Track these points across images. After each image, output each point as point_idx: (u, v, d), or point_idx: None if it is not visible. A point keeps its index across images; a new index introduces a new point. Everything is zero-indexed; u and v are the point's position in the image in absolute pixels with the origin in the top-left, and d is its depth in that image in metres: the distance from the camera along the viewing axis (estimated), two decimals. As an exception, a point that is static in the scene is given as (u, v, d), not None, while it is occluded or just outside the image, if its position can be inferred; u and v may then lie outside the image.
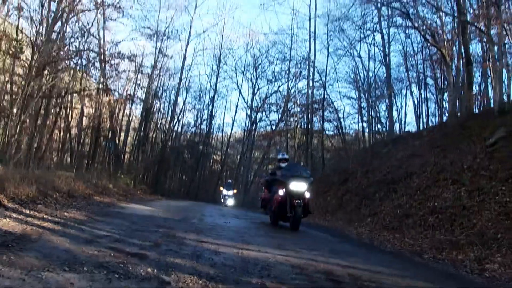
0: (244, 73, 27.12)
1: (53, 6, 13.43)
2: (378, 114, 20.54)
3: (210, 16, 37.82)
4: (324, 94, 20.89)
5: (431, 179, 8.38)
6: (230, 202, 18.95)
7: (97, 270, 2.57)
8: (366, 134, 21.04)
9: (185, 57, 23.07)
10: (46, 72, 12.90)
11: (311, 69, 20.78)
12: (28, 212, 4.62)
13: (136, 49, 26.60)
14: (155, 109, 21.99)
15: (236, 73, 27.01)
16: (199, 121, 26.92)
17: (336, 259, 4.11)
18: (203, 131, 27.22)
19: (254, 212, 13.15)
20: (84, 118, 17.65)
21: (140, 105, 21.19)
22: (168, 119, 23.45)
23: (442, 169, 8.54)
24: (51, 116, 14.71)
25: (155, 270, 2.74)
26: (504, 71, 10.62)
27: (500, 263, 4.41)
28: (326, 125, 22.07)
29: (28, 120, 12.23)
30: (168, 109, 23.72)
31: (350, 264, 3.84)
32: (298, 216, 6.76)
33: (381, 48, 19.78)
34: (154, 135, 23.18)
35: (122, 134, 21.49)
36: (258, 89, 26.54)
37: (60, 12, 13.66)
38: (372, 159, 13.10)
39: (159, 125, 23.34)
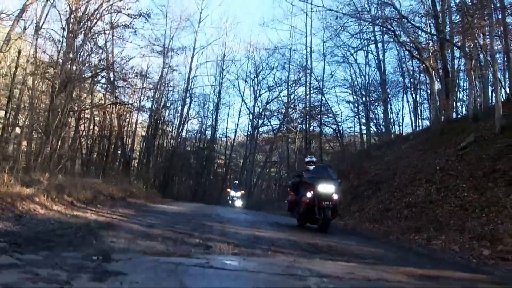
0: (246, 79, 28.87)
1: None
2: (377, 117, 22.26)
3: (213, 29, 39.59)
4: (321, 100, 22.65)
5: (409, 179, 10.11)
6: (238, 203, 19.52)
7: (166, 240, 4.30)
8: (364, 136, 22.76)
9: (190, 69, 24.90)
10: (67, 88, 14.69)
11: (309, 77, 22.58)
12: (94, 209, 6.37)
13: (141, 61, 28.25)
14: (162, 118, 23.76)
15: (238, 80, 28.77)
16: (203, 127, 28.69)
17: (321, 238, 5.84)
18: (207, 137, 28.95)
19: (259, 212, 14.85)
20: (96, 127, 19.43)
21: (147, 113, 22.93)
22: (176, 126, 25.27)
23: (420, 170, 10.26)
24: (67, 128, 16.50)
25: (201, 241, 4.46)
26: (477, 82, 12.36)
27: (444, 240, 6.13)
28: (326, 129, 23.89)
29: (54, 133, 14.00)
30: (175, 118, 25.55)
31: (331, 240, 5.57)
32: (327, 218, 6.91)
33: (376, 56, 21.42)
34: (162, 142, 24.97)
35: (129, 141, 23.33)
36: (260, 95, 28.26)
37: (81, 33, 15.45)
38: (364, 161, 14.82)
39: (166, 132, 25.13)
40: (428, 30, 13.63)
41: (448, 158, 10.29)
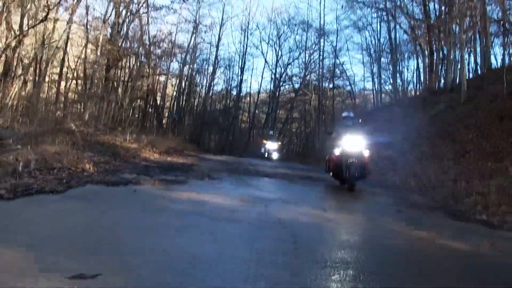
0: (268, 42, 31.91)
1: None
2: (390, 76, 25.27)
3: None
4: (334, 63, 25.93)
5: (391, 137, 13.79)
6: (275, 155, 18.79)
7: (229, 173, 8.32)
8: (377, 95, 26.04)
9: (219, 38, 28.18)
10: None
11: (323, 41, 25.80)
12: (174, 157, 10.48)
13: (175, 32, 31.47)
14: (194, 81, 27.63)
15: (261, 43, 31.84)
16: (229, 87, 32.37)
17: (305, 172, 9.79)
18: (233, 96, 32.68)
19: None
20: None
21: (177, 78, 26.67)
22: (205, 87, 29.10)
23: (399, 130, 13.91)
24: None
25: (246, 173, 8.51)
26: (457, 59, 15.52)
27: (403, 179, 9.98)
28: (340, 89, 27.33)
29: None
30: (204, 80, 29.28)
31: (319, 175, 9.52)
32: (351, 176, 6.73)
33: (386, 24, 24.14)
34: (193, 102, 28.98)
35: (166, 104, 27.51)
36: (281, 56, 31.40)
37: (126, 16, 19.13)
38: (365, 122, 18.38)
39: (197, 93, 29.07)
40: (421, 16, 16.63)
41: (422, 121, 13.86)
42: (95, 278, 2.19)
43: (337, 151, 7.14)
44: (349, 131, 7.21)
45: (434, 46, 15.58)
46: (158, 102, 24.22)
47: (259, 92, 34.28)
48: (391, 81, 24.52)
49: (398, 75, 23.86)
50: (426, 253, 3.54)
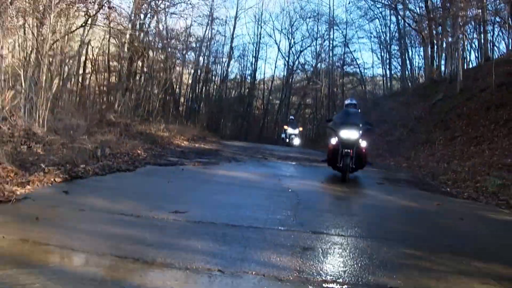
0: (281, 30, 33.39)
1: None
2: (399, 63, 26.63)
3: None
4: (344, 51, 27.43)
5: (392, 124, 15.44)
6: (297, 141, 18.24)
7: (249, 157, 10.17)
8: (386, 82, 27.52)
9: (234, 28, 29.84)
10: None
11: (332, 32, 27.31)
12: (199, 143, 12.37)
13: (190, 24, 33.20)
14: (210, 70, 29.44)
15: (274, 31, 33.34)
16: (244, 75, 34.12)
17: (313, 156, 11.57)
18: (248, 83, 34.41)
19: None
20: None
21: (192, 69, 28.54)
22: (221, 76, 30.91)
23: (400, 118, 15.53)
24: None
25: (263, 157, 10.34)
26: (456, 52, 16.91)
27: (393, 159, 11.69)
28: (351, 78, 28.86)
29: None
30: (219, 69, 31.06)
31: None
32: (344, 167, 6.73)
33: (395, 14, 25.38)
34: (209, 89, 30.86)
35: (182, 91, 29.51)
36: (294, 44, 32.90)
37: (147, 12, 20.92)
38: (373, 109, 20.00)
39: (213, 81, 30.91)
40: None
41: (422, 110, 15.43)
42: (185, 213, 4.04)
43: (333, 141, 7.12)
44: (348, 120, 7.12)
45: (435, 38, 16.97)
46: (176, 91, 26.11)
47: (272, 80, 35.93)
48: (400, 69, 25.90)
49: (408, 62, 25.22)
50: (386, 207, 5.34)
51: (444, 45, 16.74)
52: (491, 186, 6.90)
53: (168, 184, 5.55)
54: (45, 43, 10.50)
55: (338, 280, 2.64)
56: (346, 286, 2.57)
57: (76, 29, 13.68)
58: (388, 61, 26.83)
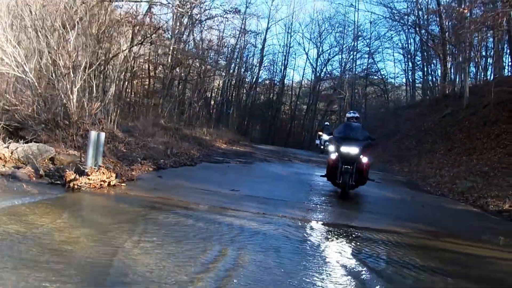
0: (310, 39, 35.92)
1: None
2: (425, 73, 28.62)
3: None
4: (368, 61, 29.75)
5: (404, 135, 17.69)
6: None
7: (278, 159, 12.77)
8: (410, 91, 29.57)
9: (265, 39, 32.63)
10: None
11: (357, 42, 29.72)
12: (235, 146, 15.06)
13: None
14: (241, 76, 32.28)
15: (303, 39, 35.93)
16: (273, 82, 36.79)
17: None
18: (277, 90, 37.05)
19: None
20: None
21: (225, 75, 31.43)
22: (251, 82, 33.74)
23: (412, 129, 17.77)
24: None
25: (289, 160, 12.91)
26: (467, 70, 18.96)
27: (400, 166, 14.02)
28: (375, 87, 31.13)
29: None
30: (251, 75, 33.89)
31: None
32: (343, 183, 6.75)
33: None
34: (239, 95, 33.66)
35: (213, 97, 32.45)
36: (322, 52, 35.34)
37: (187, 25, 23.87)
38: (393, 118, 22.20)
39: (244, 87, 33.74)
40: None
41: (432, 122, 17.60)
42: (238, 191, 6.67)
43: (333, 156, 7.12)
44: (348, 135, 7.11)
45: (449, 56, 19.11)
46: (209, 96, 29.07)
47: (300, 86, 38.46)
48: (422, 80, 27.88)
49: (430, 73, 27.13)
50: (375, 197, 7.82)
51: (454, 63, 18.82)
52: (462, 187, 9.23)
53: (224, 175, 8.23)
54: (110, 58, 13.47)
55: (324, 222, 5.20)
56: (327, 225, 5.12)
57: (134, 45, 16.67)
58: (411, 71, 28.94)
